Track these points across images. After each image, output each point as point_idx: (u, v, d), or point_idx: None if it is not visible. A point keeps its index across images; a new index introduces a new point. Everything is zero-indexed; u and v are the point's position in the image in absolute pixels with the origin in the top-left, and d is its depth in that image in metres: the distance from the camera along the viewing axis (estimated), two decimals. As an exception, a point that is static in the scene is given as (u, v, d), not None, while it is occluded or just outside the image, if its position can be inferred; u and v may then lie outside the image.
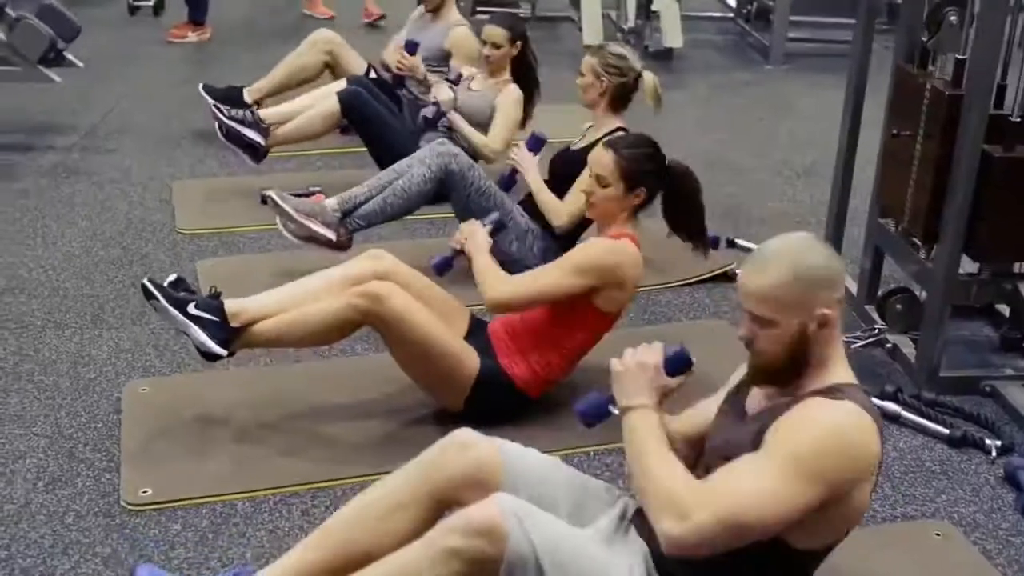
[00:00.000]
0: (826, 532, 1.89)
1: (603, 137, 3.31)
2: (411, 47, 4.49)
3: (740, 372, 2.08)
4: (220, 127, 4.31)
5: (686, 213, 2.92)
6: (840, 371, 1.91)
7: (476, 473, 2.04)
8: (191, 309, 2.74)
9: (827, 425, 1.79)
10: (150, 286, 2.74)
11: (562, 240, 3.56)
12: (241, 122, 4.32)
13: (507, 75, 4.25)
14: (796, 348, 1.86)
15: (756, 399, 1.99)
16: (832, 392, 1.84)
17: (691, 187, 2.89)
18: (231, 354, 2.82)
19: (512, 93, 4.19)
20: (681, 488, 1.79)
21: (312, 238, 3.64)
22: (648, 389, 1.95)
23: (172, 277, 2.86)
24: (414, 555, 1.88)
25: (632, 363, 1.97)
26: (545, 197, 3.60)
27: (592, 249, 2.87)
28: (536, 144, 3.68)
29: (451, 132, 4.16)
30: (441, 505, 2.05)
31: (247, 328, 2.79)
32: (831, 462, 1.76)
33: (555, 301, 2.86)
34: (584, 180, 2.98)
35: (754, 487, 1.75)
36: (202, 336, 2.73)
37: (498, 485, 2.01)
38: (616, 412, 1.99)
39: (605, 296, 2.84)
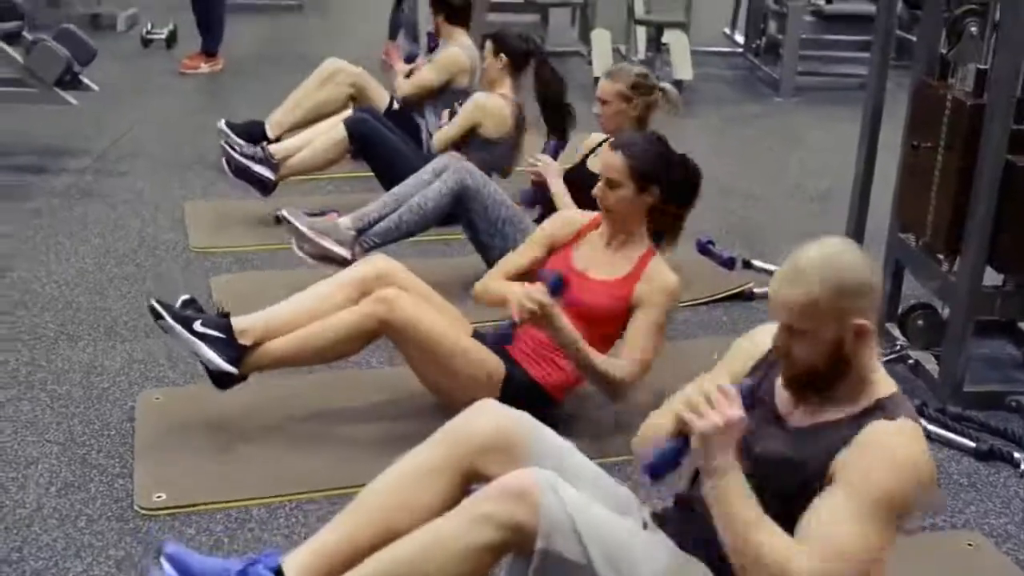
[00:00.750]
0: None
1: None
2: (408, 57, 4.80)
3: (745, 347, 2.03)
4: (229, 163, 4.32)
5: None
6: (884, 381, 1.86)
7: (502, 439, 2.01)
8: (197, 327, 2.71)
9: (904, 459, 1.73)
10: (157, 306, 2.71)
11: None
12: (251, 158, 4.33)
13: (505, 88, 4.26)
14: (832, 359, 1.80)
15: (795, 408, 1.90)
16: (886, 409, 1.79)
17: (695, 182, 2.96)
18: (243, 377, 2.79)
19: (477, 100, 4.26)
20: (792, 558, 1.69)
21: (326, 257, 3.61)
22: (730, 447, 1.77)
23: (184, 297, 2.83)
24: (450, 523, 1.85)
25: (720, 422, 1.75)
26: (567, 203, 3.54)
27: (670, 289, 2.84)
28: (555, 151, 3.67)
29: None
30: (468, 472, 2.01)
31: (257, 347, 2.76)
32: (910, 497, 1.73)
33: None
34: (597, 188, 2.91)
35: (854, 542, 1.69)
36: (209, 353, 2.70)
37: (525, 453, 1.98)
38: (686, 464, 1.85)
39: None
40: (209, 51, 6.94)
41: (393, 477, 2.06)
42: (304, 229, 3.59)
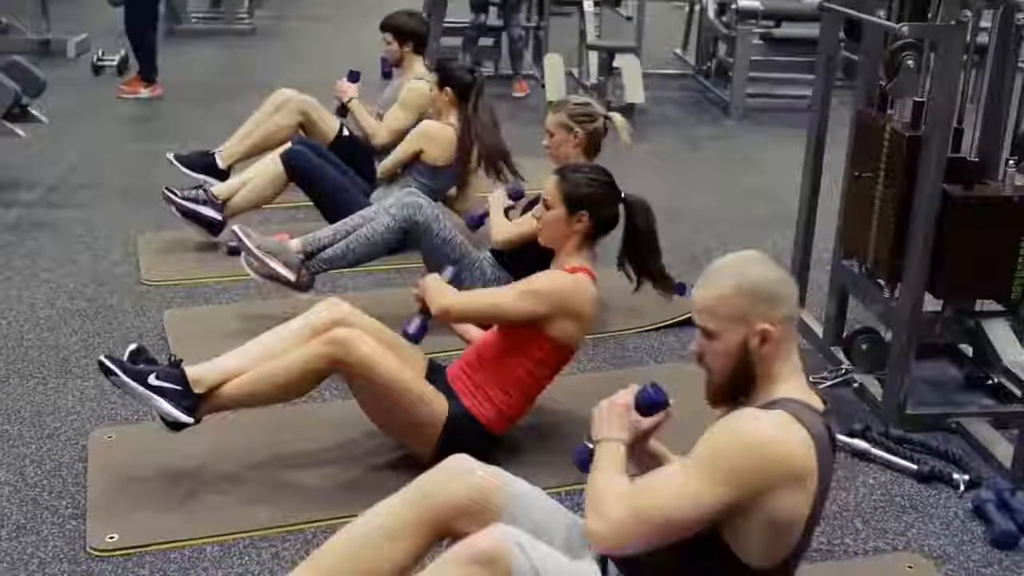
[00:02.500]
0: (763, 543, 1.84)
1: None
2: (352, 76, 4.74)
3: None
4: (176, 207, 4.33)
5: (645, 249, 2.93)
6: (785, 388, 1.90)
7: (478, 499, 2.02)
8: (152, 380, 2.71)
9: (743, 430, 1.81)
10: (107, 362, 2.70)
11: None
12: (195, 201, 4.37)
13: (452, 119, 4.32)
14: (740, 363, 1.89)
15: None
16: (769, 405, 1.86)
17: (647, 222, 2.91)
18: (197, 421, 2.78)
19: (423, 127, 4.35)
20: (606, 490, 1.88)
21: (273, 276, 3.63)
22: (616, 426, 2.01)
23: (132, 347, 2.81)
24: None
25: (604, 403, 2.05)
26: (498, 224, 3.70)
27: (545, 277, 2.88)
28: (517, 193, 3.76)
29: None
30: (438, 534, 2.02)
31: (212, 392, 2.76)
32: (741, 464, 1.77)
33: (505, 323, 2.88)
34: (536, 208, 2.98)
35: (665, 485, 1.83)
36: (166, 406, 2.70)
37: (498, 511, 2.00)
38: (591, 447, 2.03)
39: (558, 327, 2.84)
40: (147, 76, 6.94)
41: (359, 534, 2.05)
42: (252, 247, 3.61)
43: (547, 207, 2.89)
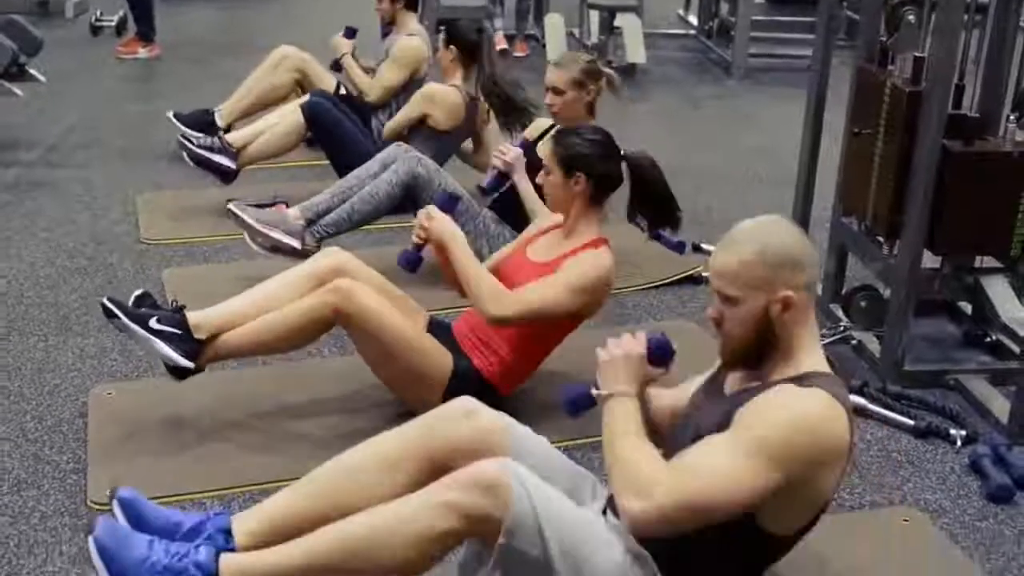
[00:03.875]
0: (794, 516, 1.89)
1: None
2: (348, 32, 4.73)
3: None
4: (190, 156, 4.31)
5: (652, 203, 2.90)
6: (812, 360, 1.90)
7: (481, 442, 2.02)
8: (153, 324, 2.72)
9: (793, 411, 1.79)
10: (110, 304, 2.71)
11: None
12: (210, 149, 4.33)
13: (457, 79, 4.27)
14: (760, 329, 1.87)
15: (732, 383, 1.99)
16: (802, 380, 1.85)
17: (652, 176, 2.86)
18: (199, 369, 2.79)
19: (427, 89, 4.26)
20: (645, 468, 1.80)
21: (278, 248, 3.63)
22: (630, 378, 1.97)
23: (137, 292, 2.83)
24: (411, 507, 1.84)
25: (618, 352, 1.99)
26: (534, 200, 3.44)
27: (594, 269, 2.79)
28: (525, 147, 3.67)
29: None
30: (436, 470, 1.99)
31: (213, 340, 2.77)
32: (795, 447, 1.76)
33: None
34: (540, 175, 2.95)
35: (715, 468, 1.76)
36: (167, 350, 2.71)
37: (501, 454, 1.98)
38: (597, 399, 2.00)
39: (586, 303, 2.83)
40: (145, 37, 6.89)
41: (355, 460, 2.06)
42: (252, 222, 3.60)
43: (546, 173, 2.87)
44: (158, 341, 2.71)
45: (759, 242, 1.86)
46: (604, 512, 2.03)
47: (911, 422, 3.02)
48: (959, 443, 2.95)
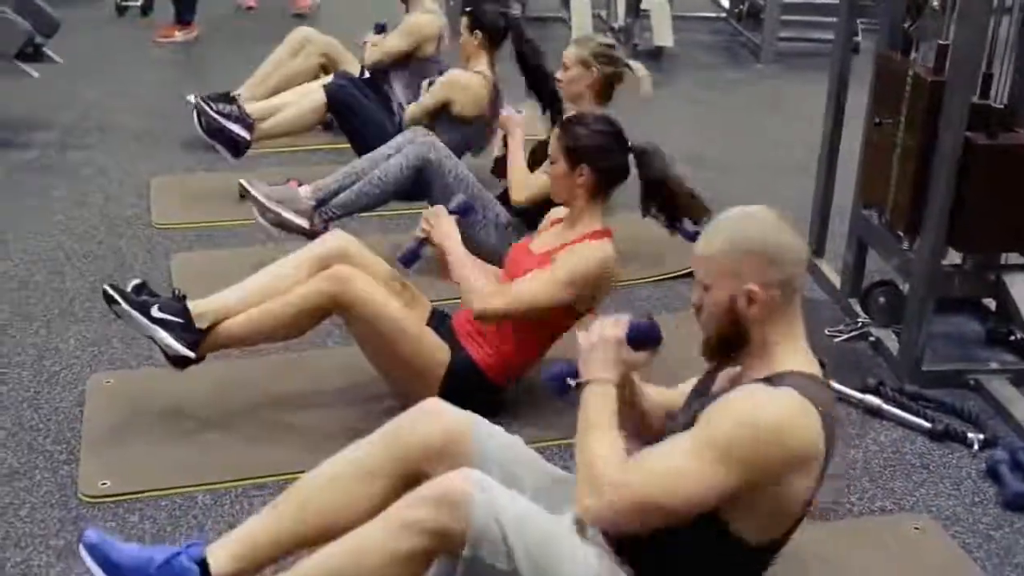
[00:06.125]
0: (767, 524, 1.81)
1: None
2: (378, 28, 4.69)
3: None
4: (202, 121, 4.18)
5: (660, 196, 2.80)
6: (790, 359, 1.81)
7: (445, 441, 1.98)
8: (155, 312, 2.68)
9: (756, 411, 1.71)
10: (111, 291, 2.68)
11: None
12: (227, 116, 4.22)
13: (482, 65, 4.18)
14: (727, 320, 1.83)
15: (720, 382, 1.93)
16: (772, 380, 1.77)
17: (662, 167, 2.77)
18: (200, 359, 2.76)
19: (452, 76, 4.16)
20: (604, 465, 1.77)
21: (285, 225, 3.59)
22: (609, 364, 1.91)
23: (135, 282, 2.79)
24: (375, 530, 1.81)
25: (595, 337, 1.92)
26: (518, 167, 3.52)
27: (585, 261, 2.72)
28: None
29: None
30: (408, 475, 1.98)
31: (214, 328, 2.73)
32: (755, 449, 1.69)
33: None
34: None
35: (666, 466, 1.73)
36: (168, 339, 2.67)
37: (467, 455, 1.95)
38: (573, 385, 1.94)
39: (586, 298, 2.77)
40: (183, 20, 6.85)
41: (329, 475, 2.03)
42: (262, 198, 3.57)
43: (552, 162, 2.80)
44: (159, 330, 2.67)
45: (733, 231, 1.84)
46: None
47: (927, 424, 2.92)
48: (977, 447, 2.85)
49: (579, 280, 2.71)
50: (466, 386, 2.72)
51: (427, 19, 4.58)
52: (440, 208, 2.92)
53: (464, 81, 4.17)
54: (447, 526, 1.76)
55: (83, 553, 1.95)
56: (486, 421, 2.08)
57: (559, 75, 3.63)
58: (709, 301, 1.84)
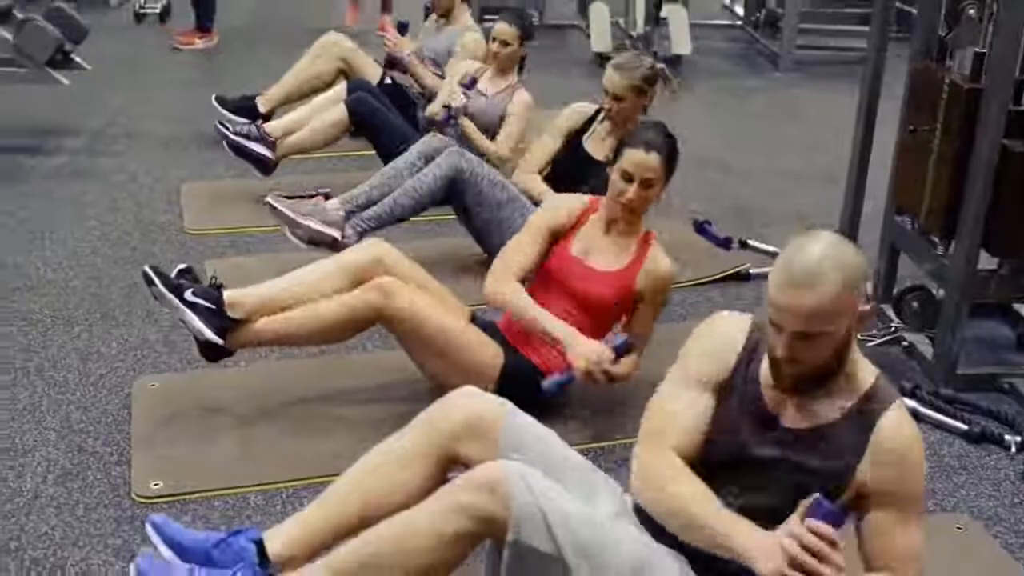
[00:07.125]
0: None
1: None
2: (401, 28, 4.74)
3: (711, 347, 1.99)
4: (227, 143, 4.30)
5: None
6: (864, 364, 1.89)
7: (475, 422, 2.03)
8: (188, 296, 2.73)
9: (920, 450, 1.86)
10: (150, 272, 2.74)
11: None
12: (247, 137, 4.29)
13: (514, 77, 4.23)
14: (840, 351, 1.83)
15: (777, 398, 1.89)
16: (878, 399, 1.85)
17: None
18: (231, 352, 2.80)
19: (523, 99, 4.16)
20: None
21: (317, 240, 3.60)
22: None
23: (180, 267, 2.85)
24: (423, 512, 1.87)
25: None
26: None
27: (669, 287, 2.90)
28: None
29: (452, 128, 4.13)
30: (445, 458, 2.04)
31: (248, 323, 2.76)
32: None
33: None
34: (631, 192, 2.80)
35: (920, 549, 1.85)
36: (197, 322, 2.71)
37: (495, 439, 2.00)
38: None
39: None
40: (203, 27, 6.90)
41: (373, 461, 2.09)
42: (290, 214, 3.59)
43: (649, 185, 2.78)
44: (190, 313, 2.72)
45: (838, 270, 1.73)
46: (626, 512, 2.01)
47: (964, 427, 2.95)
48: (1014, 449, 2.88)
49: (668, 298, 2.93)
50: (523, 387, 2.70)
51: (480, 40, 4.67)
52: (602, 346, 2.73)
53: (528, 100, 4.18)
54: (490, 510, 1.80)
55: (148, 530, 2.06)
56: (521, 411, 2.10)
57: (606, 105, 3.57)
58: (823, 345, 1.78)
